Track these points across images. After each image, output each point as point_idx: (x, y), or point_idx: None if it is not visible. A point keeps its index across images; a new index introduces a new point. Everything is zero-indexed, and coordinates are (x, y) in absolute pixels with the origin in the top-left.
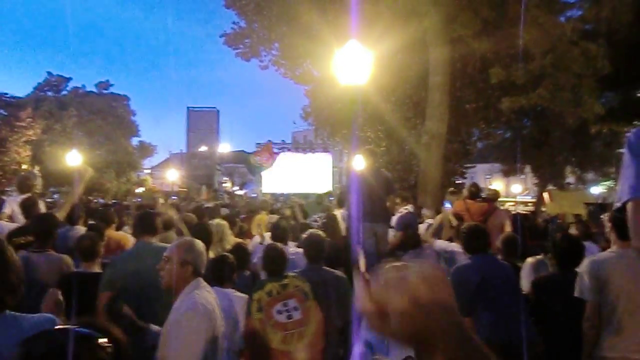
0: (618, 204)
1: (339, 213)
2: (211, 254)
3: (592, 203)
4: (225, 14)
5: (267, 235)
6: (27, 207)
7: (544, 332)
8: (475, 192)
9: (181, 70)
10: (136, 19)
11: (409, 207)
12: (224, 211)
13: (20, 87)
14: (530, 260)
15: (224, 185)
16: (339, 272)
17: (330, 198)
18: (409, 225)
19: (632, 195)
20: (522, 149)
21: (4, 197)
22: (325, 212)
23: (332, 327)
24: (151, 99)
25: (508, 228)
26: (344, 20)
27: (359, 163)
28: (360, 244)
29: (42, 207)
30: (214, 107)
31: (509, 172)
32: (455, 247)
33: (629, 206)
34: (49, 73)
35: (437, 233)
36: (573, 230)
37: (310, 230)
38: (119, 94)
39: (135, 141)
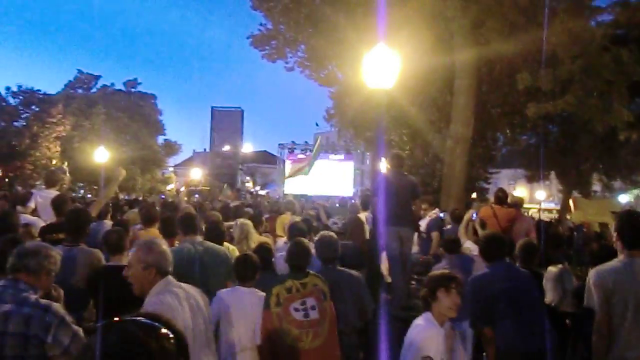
0: None
1: (363, 216)
2: (236, 253)
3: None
4: (252, 16)
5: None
6: (58, 204)
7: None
8: (503, 198)
9: (207, 70)
10: (165, 19)
11: (437, 211)
12: (249, 211)
13: (52, 84)
14: (553, 269)
15: (246, 184)
16: (353, 272)
17: (352, 200)
18: (442, 226)
19: None
20: (547, 155)
21: (33, 191)
22: (348, 214)
23: (350, 327)
24: (177, 98)
25: (533, 235)
26: (371, 23)
27: (384, 166)
28: (384, 248)
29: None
30: (239, 107)
31: (533, 178)
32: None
33: None
34: (80, 71)
35: (466, 230)
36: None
37: (323, 231)
38: (146, 93)
39: (160, 139)
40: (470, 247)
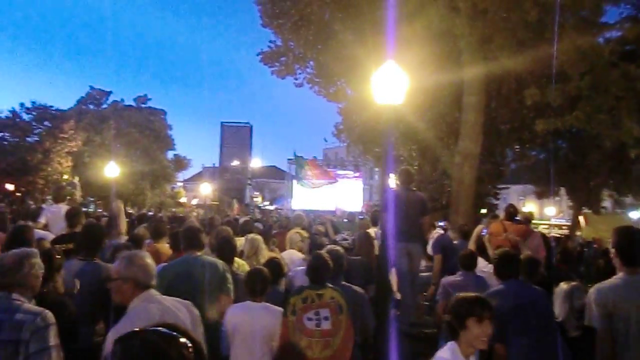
0: None
1: (373, 231)
2: (246, 268)
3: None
4: (262, 33)
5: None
6: (71, 216)
7: None
8: (513, 213)
9: (217, 86)
10: (176, 36)
11: (439, 230)
12: (258, 226)
13: (64, 100)
14: (564, 286)
15: (254, 199)
16: (357, 288)
17: (360, 217)
18: (447, 246)
19: None
20: (557, 171)
21: (43, 206)
22: (356, 230)
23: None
24: (187, 113)
25: (542, 251)
26: (379, 40)
27: (393, 182)
28: (393, 263)
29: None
30: (247, 123)
31: (542, 194)
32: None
33: None
34: (91, 87)
35: (476, 246)
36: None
37: (329, 246)
38: (156, 108)
39: (170, 154)
40: (480, 264)
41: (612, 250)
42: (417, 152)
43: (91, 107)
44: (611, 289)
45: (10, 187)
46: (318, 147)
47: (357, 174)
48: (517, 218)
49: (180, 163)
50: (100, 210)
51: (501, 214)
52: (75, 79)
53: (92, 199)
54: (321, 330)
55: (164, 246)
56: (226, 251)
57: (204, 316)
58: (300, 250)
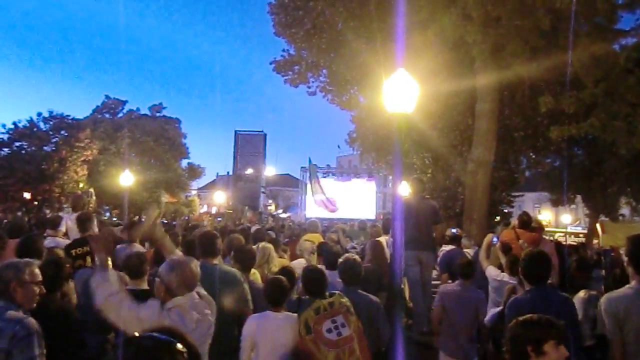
0: None
1: (384, 239)
2: (257, 276)
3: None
4: (275, 42)
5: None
6: (82, 221)
7: None
8: (527, 221)
9: (231, 95)
10: (190, 46)
11: (447, 246)
12: (271, 234)
13: (81, 109)
14: (582, 294)
15: (268, 208)
16: (373, 297)
17: (370, 223)
18: (452, 263)
19: None
20: (572, 178)
21: (62, 215)
22: (368, 238)
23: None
24: (201, 122)
25: (554, 259)
26: (391, 48)
27: (405, 190)
28: (404, 272)
29: (95, 224)
30: (262, 131)
31: (558, 202)
32: (505, 277)
33: None
34: (107, 96)
35: (487, 255)
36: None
37: (347, 254)
38: (171, 117)
39: (184, 163)
40: (492, 273)
41: (626, 259)
42: (430, 160)
43: (107, 116)
44: (622, 298)
45: (27, 195)
46: (331, 155)
47: (364, 179)
48: (533, 226)
49: (195, 171)
50: (115, 219)
51: (514, 221)
52: (91, 88)
53: (107, 207)
54: (344, 338)
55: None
56: (245, 260)
57: (222, 326)
58: (308, 259)
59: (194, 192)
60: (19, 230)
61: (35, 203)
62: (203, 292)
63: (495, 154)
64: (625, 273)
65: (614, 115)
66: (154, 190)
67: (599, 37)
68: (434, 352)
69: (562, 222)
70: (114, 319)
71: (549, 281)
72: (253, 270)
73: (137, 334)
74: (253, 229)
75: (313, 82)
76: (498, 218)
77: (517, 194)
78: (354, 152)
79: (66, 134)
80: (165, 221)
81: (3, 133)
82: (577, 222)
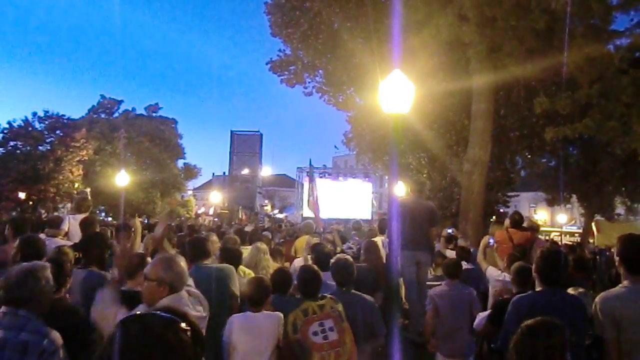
0: None
1: (379, 240)
2: (252, 275)
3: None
4: (272, 41)
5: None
6: (87, 225)
7: None
8: (518, 220)
9: (227, 95)
10: (186, 45)
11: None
12: (267, 234)
13: (76, 109)
14: (571, 292)
15: (264, 208)
16: (367, 297)
17: (365, 223)
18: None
19: None
20: (568, 178)
21: (64, 215)
22: (363, 238)
23: (361, 352)
24: (197, 122)
25: None
26: (387, 48)
27: (402, 191)
28: (400, 272)
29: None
30: (258, 131)
31: (553, 202)
32: (507, 277)
33: None
34: (102, 96)
35: (484, 256)
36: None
37: (338, 255)
38: (167, 117)
39: (180, 163)
40: (493, 273)
41: (617, 259)
42: (426, 160)
43: (102, 116)
44: (617, 297)
45: (22, 195)
46: (328, 155)
47: (360, 180)
48: (524, 225)
49: (191, 172)
50: (109, 219)
51: (507, 221)
52: (87, 88)
53: (102, 208)
54: (330, 342)
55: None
56: (232, 260)
57: (218, 325)
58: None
59: (189, 193)
60: (21, 228)
61: (30, 203)
62: (193, 289)
63: (491, 154)
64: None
65: (608, 115)
66: (149, 190)
67: (594, 38)
68: (430, 353)
69: (557, 221)
70: (106, 329)
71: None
72: (248, 271)
73: (139, 313)
74: (246, 229)
75: (309, 82)
76: (494, 218)
77: (512, 193)
78: (351, 152)
79: (61, 134)
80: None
81: None
82: (573, 222)
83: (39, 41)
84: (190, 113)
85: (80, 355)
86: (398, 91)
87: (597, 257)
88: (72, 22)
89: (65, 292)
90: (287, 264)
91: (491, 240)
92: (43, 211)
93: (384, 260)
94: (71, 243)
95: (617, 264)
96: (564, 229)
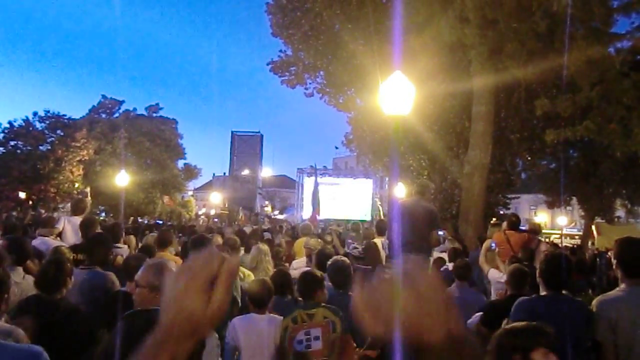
0: None
1: (379, 241)
2: (252, 277)
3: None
4: (273, 42)
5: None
6: (87, 226)
7: None
8: (516, 222)
9: (228, 95)
10: (188, 46)
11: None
12: (267, 235)
13: (77, 109)
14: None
15: (264, 209)
16: None
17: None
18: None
19: None
20: (568, 180)
21: (60, 216)
22: (362, 239)
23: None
24: (198, 123)
25: None
26: (388, 50)
27: (402, 192)
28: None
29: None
30: (258, 132)
31: (553, 204)
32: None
33: None
34: (103, 96)
35: (485, 260)
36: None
37: (335, 257)
38: (167, 118)
39: (181, 163)
40: (495, 276)
41: (614, 262)
42: (427, 162)
43: (103, 116)
44: (614, 301)
45: (22, 195)
46: (328, 156)
47: (361, 179)
48: (523, 228)
49: (191, 172)
50: (108, 218)
51: (504, 224)
52: (88, 88)
53: (102, 208)
54: (312, 352)
55: (169, 255)
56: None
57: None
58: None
59: (190, 193)
60: (12, 229)
61: (30, 203)
62: None
63: (491, 156)
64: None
65: (609, 118)
66: (150, 190)
67: (595, 41)
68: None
69: (557, 224)
70: None
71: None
72: (247, 272)
73: (142, 308)
74: (247, 229)
75: (310, 83)
76: (494, 220)
77: (513, 195)
78: (351, 153)
79: (62, 134)
80: (161, 221)
81: None
82: (573, 224)
83: (41, 41)
84: (191, 113)
85: (81, 356)
86: (398, 93)
87: (597, 259)
88: (74, 22)
89: (66, 292)
90: (286, 264)
91: (493, 244)
92: (43, 211)
93: (384, 262)
94: (64, 243)
95: (614, 267)
96: (564, 232)
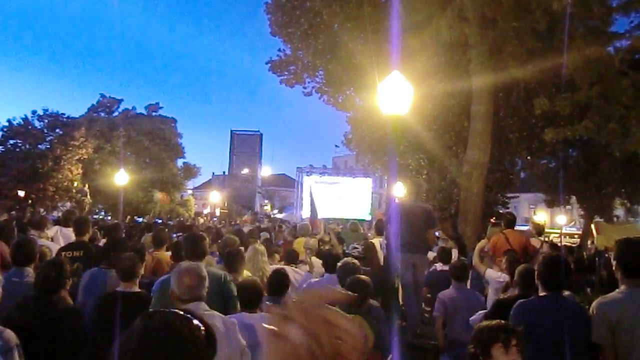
0: None
1: (377, 241)
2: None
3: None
4: (271, 41)
5: (315, 260)
6: (79, 224)
7: None
8: (512, 220)
9: (227, 94)
10: (187, 45)
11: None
12: (265, 235)
13: (76, 107)
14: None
15: (264, 208)
16: (374, 302)
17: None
18: (436, 283)
19: None
20: (567, 179)
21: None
22: (362, 240)
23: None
24: (197, 121)
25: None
26: (387, 49)
27: (400, 192)
28: (398, 275)
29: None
30: (257, 131)
31: (553, 203)
32: (507, 278)
33: None
34: (102, 95)
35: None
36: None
37: (345, 259)
38: (166, 117)
39: (180, 162)
40: (493, 275)
41: (614, 263)
42: (426, 161)
43: (102, 114)
44: (613, 303)
45: (21, 193)
46: (327, 155)
47: (360, 178)
48: (525, 227)
49: (190, 171)
50: (108, 218)
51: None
52: (87, 86)
53: (101, 207)
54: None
55: (165, 254)
56: (234, 262)
57: None
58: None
59: (189, 192)
60: (1, 231)
61: (29, 201)
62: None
63: (490, 156)
64: (612, 276)
65: (608, 117)
66: (149, 189)
67: (594, 40)
68: (427, 355)
69: (557, 223)
70: None
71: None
72: (246, 273)
73: (157, 309)
74: (246, 229)
75: (309, 82)
76: (493, 220)
77: (512, 195)
78: (351, 152)
79: (61, 133)
80: (160, 220)
81: None
82: (572, 223)
83: (39, 39)
84: (190, 112)
85: (78, 354)
86: (396, 92)
87: (597, 258)
88: (73, 21)
89: (65, 293)
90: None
91: (487, 248)
92: (42, 209)
93: (382, 262)
94: (54, 244)
95: (614, 268)
96: (564, 230)
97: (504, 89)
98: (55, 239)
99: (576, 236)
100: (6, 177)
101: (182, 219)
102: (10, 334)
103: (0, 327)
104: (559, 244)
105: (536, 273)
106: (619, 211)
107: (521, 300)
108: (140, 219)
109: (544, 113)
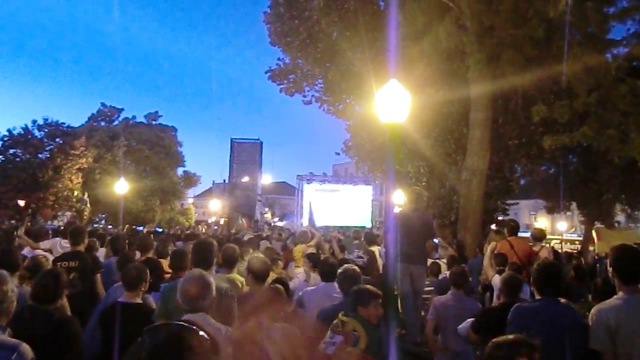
0: None
1: (377, 250)
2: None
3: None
4: (271, 50)
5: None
6: (75, 234)
7: None
8: (515, 228)
9: (227, 103)
10: (187, 54)
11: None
12: (265, 243)
13: (76, 117)
14: None
15: (264, 216)
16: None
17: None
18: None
19: None
20: (568, 186)
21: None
22: (363, 247)
23: None
24: (197, 130)
25: None
26: (386, 57)
27: (399, 200)
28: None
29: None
30: (258, 139)
31: (553, 209)
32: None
33: None
34: (103, 104)
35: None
36: None
37: (346, 265)
38: (167, 125)
39: (180, 171)
40: (495, 280)
41: (610, 269)
42: (425, 168)
43: (102, 124)
44: (612, 309)
45: (21, 203)
46: (328, 163)
47: (361, 185)
48: (527, 234)
49: (190, 179)
50: (110, 227)
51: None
52: (87, 96)
53: (102, 216)
54: (323, 355)
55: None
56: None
57: None
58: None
59: (189, 200)
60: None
61: (29, 211)
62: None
63: (489, 163)
64: (607, 283)
65: (606, 123)
66: (149, 198)
67: (592, 47)
68: None
69: (557, 229)
70: None
71: None
72: (241, 279)
73: (163, 322)
74: (246, 237)
75: (308, 91)
76: (494, 226)
77: (512, 201)
78: (351, 160)
79: (61, 142)
80: (161, 229)
81: None
82: (573, 230)
83: (40, 49)
84: (190, 121)
85: None
86: (394, 101)
87: (598, 264)
88: (74, 30)
89: (60, 304)
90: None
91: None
92: (41, 219)
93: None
94: (49, 255)
95: (610, 274)
96: (564, 237)
97: (502, 96)
98: (54, 250)
99: (577, 242)
100: (6, 186)
101: (178, 227)
102: (26, 348)
103: (16, 341)
104: (560, 251)
105: (532, 279)
106: (620, 217)
107: (518, 305)
108: (141, 228)
109: (542, 120)
